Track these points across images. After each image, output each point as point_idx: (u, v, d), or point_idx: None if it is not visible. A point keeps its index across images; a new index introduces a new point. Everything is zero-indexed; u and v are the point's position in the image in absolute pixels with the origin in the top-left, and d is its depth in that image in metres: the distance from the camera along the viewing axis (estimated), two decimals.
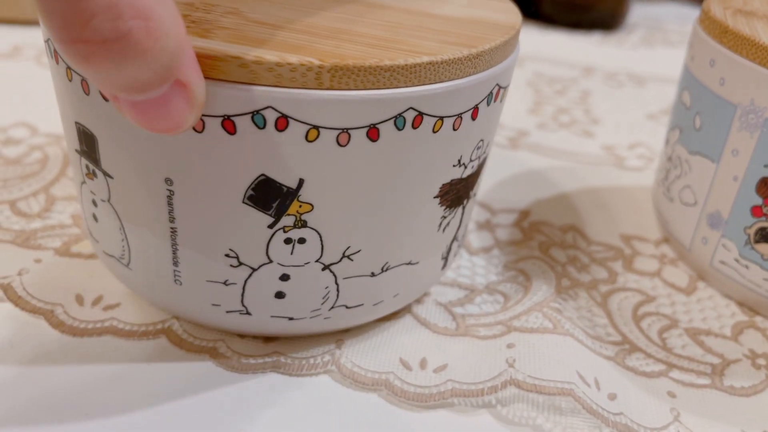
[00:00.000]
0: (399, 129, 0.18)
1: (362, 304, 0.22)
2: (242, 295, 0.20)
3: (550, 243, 0.30)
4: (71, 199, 0.29)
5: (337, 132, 0.18)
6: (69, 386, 0.20)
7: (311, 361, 0.22)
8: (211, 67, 0.17)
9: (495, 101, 0.21)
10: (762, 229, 0.25)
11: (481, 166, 0.22)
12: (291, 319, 0.21)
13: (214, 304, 0.21)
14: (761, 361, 0.25)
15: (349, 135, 0.18)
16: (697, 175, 0.27)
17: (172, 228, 0.20)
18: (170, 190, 0.19)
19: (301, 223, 0.19)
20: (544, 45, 0.57)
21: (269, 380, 0.22)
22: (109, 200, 0.20)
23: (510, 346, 0.24)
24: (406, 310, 0.25)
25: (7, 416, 0.19)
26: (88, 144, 0.20)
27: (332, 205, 0.19)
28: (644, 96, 0.49)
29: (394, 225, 0.20)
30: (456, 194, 0.22)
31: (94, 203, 0.21)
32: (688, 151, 0.28)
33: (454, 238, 0.24)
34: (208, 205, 0.19)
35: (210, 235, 0.19)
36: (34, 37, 0.45)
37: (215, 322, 0.22)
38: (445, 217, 0.22)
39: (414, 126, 0.18)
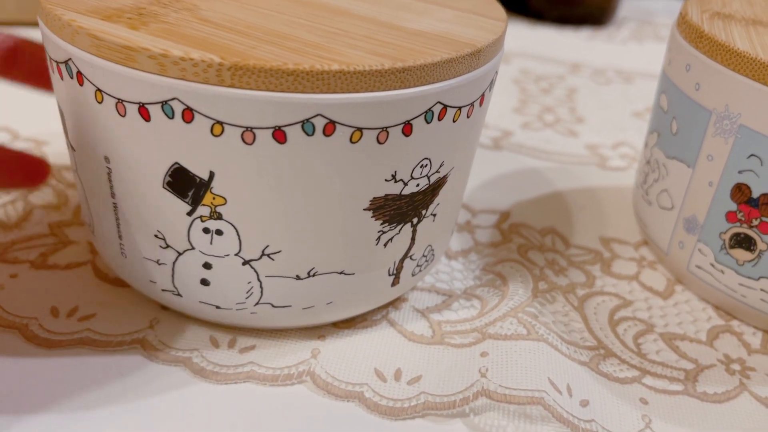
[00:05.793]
0: (308, 134, 0.18)
1: (290, 306, 0.22)
2: (173, 276, 0.22)
3: (529, 246, 0.30)
4: (49, 208, 0.29)
5: (242, 130, 0.18)
6: (41, 400, 0.21)
7: (286, 371, 0.23)
8: (127, 56, 0.18)
9: (439, 120, 0.20)
10: (737, 234, 0.25)
11: (435, 187, 0.22)
12: (218, 307, 0.22)
13: (151, 281, 0.22)
14: (735, 367, 0.25)
15: (254, 134, 0.18)
16: (674, 180, 0.27)
17: (114, 203, 0.21)
18: (108, 168, 0.20)
19: (217, 215, 0.20)
20: (532, 41, 0.57)
21: (244, 390, 0.22)
22: (76, 171, 0.22)
23: (483, 354, 0.24)
24: (382, 316, 0.25)
25: None
26: (63, 119, 0.22)
27: (245, 201, 0.19)
28: (631, 93, 0.49)
29: (316, 231, 0.20)
30: (397, 210, 0.21)
31: (74, 174, 0.23)
32: (665, 155, 0.28)
33: (406, 257, 0.23)
34: (137, 186, 0.20)
35: (141, 215, 0.21)
36: None
37: (154, 297, 0.23)
38: (384, 232, 0.21)
39: (325, 133, 0.18)
